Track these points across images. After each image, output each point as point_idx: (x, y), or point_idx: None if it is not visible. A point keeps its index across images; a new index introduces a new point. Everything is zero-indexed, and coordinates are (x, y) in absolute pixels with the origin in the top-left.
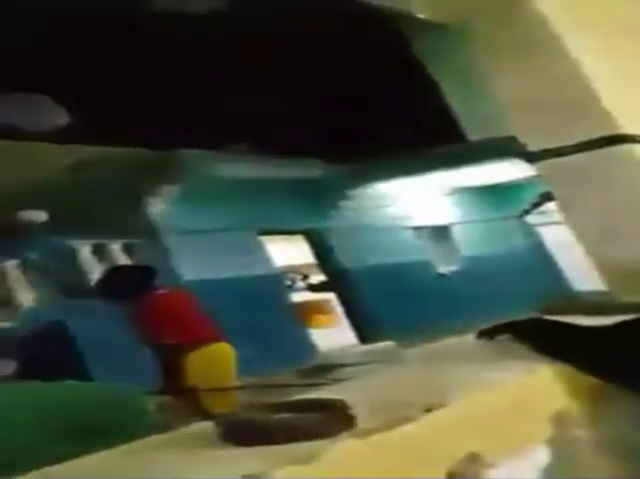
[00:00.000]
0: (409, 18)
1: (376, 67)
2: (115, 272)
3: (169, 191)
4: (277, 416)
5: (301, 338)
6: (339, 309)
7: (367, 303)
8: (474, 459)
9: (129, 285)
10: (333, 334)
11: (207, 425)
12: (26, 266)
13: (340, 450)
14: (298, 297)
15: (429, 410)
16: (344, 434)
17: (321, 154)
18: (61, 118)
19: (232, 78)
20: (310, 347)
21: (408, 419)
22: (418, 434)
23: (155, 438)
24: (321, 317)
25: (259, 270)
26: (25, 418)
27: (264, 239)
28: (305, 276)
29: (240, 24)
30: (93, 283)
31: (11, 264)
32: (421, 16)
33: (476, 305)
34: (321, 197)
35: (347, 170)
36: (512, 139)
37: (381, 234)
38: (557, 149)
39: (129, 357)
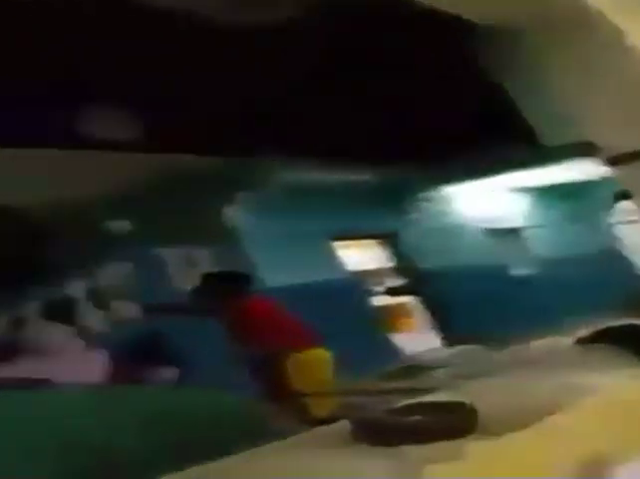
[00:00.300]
0: (476, 25)
1: (442, 71)
2: (211, 278)
3: (247, 198)
4: (411, 418)
5: (385, 342)
6: (420, 313)
7: (449, 306)
8: (601, 459)
9: (227, 291)
10: (416, 338)
11: (337, 426)
12: (116, 278)
13: (478, 450)
14: (377, 301)
15: (552, 413)
16: (473, 436)
17: (389, 158)
18: (136, 127)
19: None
20: (394, 351)
21: (534, 421)
22: (546, 434)
23: (289, 440)
24: (403, 321)
25: (338, 275)
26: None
27: (340, 244)
28: (382, 281)
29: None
30: (188, 291)
31: (104, 275)
32: (486, 23)
33: (553, 308)
34: (395, 200)
35: (420, 172)
36: (589, 143)
37: (458, 235)
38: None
39: (225, 365)
